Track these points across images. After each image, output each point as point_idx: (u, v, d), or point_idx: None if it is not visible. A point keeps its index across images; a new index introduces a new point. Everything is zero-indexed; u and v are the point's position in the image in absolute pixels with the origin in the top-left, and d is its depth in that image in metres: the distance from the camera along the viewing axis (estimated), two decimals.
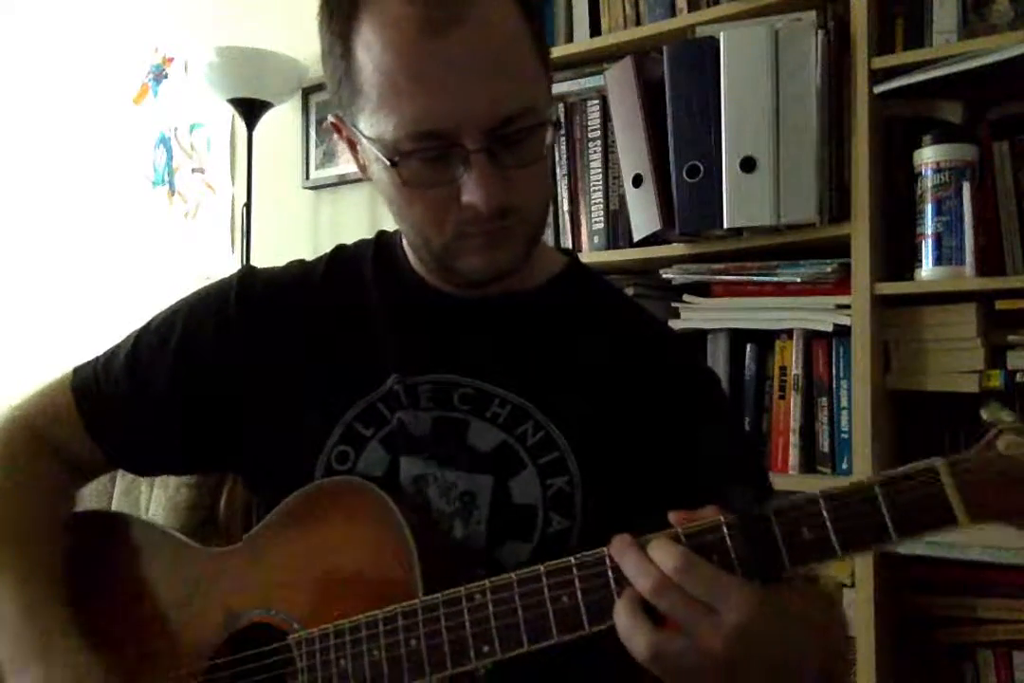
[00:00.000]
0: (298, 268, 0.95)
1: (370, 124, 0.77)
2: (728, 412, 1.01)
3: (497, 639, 0.69)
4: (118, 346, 0.96)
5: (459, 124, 0.74)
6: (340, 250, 0.97)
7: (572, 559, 0.69)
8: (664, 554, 0.64)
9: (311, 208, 2.57)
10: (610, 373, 0.88)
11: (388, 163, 0.77)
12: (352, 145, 0.85)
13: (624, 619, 0.65)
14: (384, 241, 0.96)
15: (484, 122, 0.74)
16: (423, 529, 0.77)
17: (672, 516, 0.67)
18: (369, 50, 0.75)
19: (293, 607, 0.80)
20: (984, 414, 0.65)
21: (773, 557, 0.65)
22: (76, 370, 0.96)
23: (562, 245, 1.88)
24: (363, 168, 0.86)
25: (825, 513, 0.64)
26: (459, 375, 0.86)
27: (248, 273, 0.95)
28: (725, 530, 0.66)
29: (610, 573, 0.67)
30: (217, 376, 0.90)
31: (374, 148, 0.78)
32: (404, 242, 0.92)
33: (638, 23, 1.84)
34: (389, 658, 0.73)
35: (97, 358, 0.96)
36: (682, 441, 0.87)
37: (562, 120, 1.89)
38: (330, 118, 0.86)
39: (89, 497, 1.80)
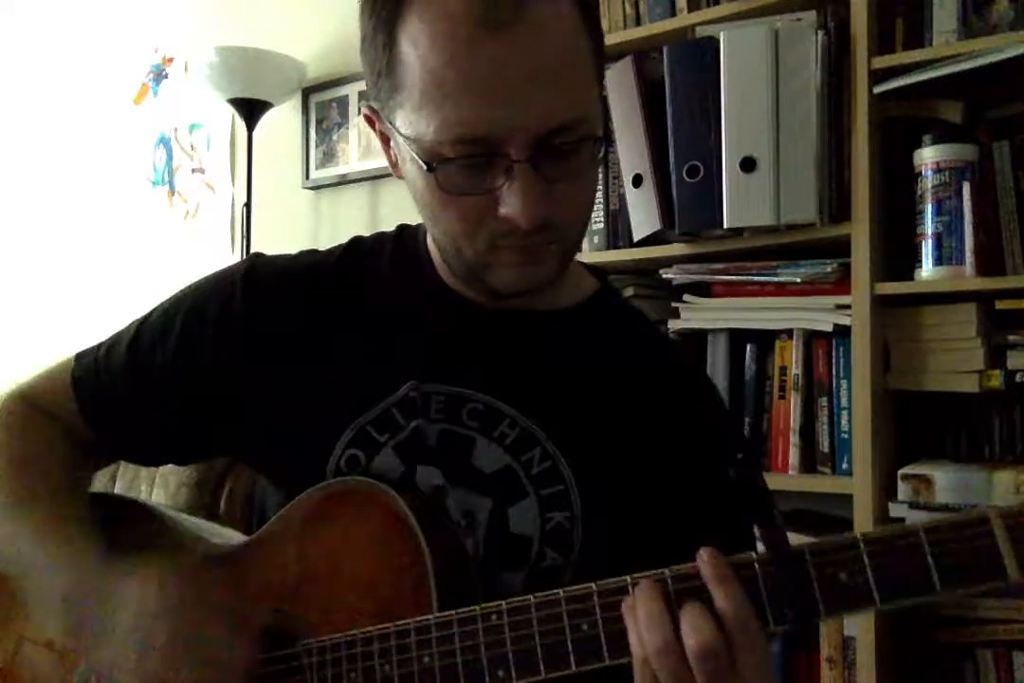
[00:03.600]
0: (309, 258, 0.90)
1: (409, 122, 0.72)
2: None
3: (513, 664, 0.67)
4: (120, 334, 0.92)
5: (506, 132, 0.69)
6: (356, 242, 0.92)
7: (593, 586, 0.66)
8: (691, 629, 0.62)
9: (311, 208, 2.58)
10: (626, 409, 0.84)
11: (425, 167, 0.72)
12: (385, 139, 0.80)
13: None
14: (406, 237, 0.91)
15: (533, 131, 0.69)
16: (438, 535, 0.75)
17: (703, 552, 0.64)
18: (415, 44, 0.70)
19: (303, 610, 0.78)
20: None
21: (808, 602, 0.61)
22: (78, 356, 0.93)
23: None
24: (394, 165, 0.81)
25: (865, 558, 0.60)
26: (472, 389, 0.82)
27: (255, 262, 0.90)
28: (757, 568, 0.63)
29: None
30: (218, 368, 0.86)
31: (411, 148, 0.73)
32: (429, 242, 0.87)
33: (638, 23, 1.84)
34: (401, 675, 0.71)
35: (99, 345, 0.93)
36: (688, 489, 0.83)
37: None
38: (363, 109, 0.81)
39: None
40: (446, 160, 0.71)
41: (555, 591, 0.67)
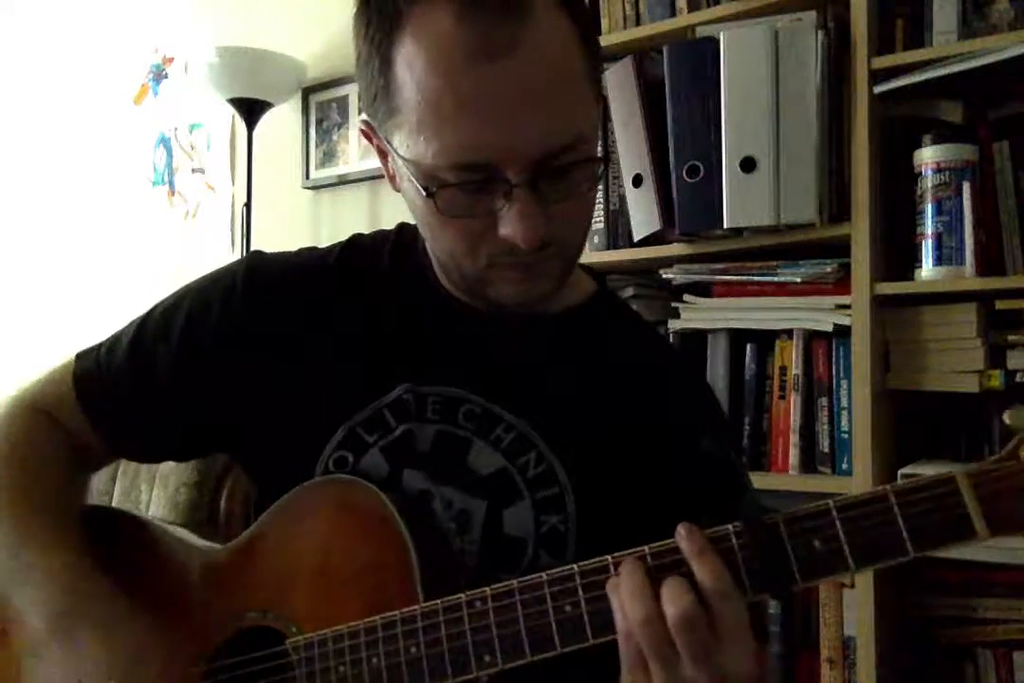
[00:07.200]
0: (309, 255, 0.91)
1: (407, 145, 0.72)
2: (733, 455, 0.95)
3: (499, 648, 0.68)
4: (121, 332, 0.92)
5: (504, 156, 0.69)
6: (356, 240, 0.92)
7: (575, 567, 0.67)
8: (671, 599, 0.62)
9: (311, 208, 2.58)
10: (622, 411, 0.84)
11: (423, 192, 0.72)
12: (383, 154, 0.80)
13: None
14: (405, 236, 0.91)
15: (531, 155, 0.69)
16: (422, 531, 0.76)
17: (682, 528, 0.65)
18: (411, 68, 0.69)
19: (290, 609, 0.78)
20: (1007, 418, 0.61)
21: (784, 570, 0.62)
22: (79, 356, 0.93)
23: None
24: (392, 178, 0.81)
25: (838, 524, 0.61)
26: (468, 391, 0.83)
27: (255, 260, 0.91)
28: (734, 540, 0.64)
29: None
30: (219, 365, 0.87)
31: (409, 170, 0.73)
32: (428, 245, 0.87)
33: (638, 23, 1.84)
34: (389, 665, 0.71)
35: (100, 344, 0.93)
36: (685, 490, 0.82)
37: None
38: (360, 124, 0.80)
39: (89, 497, 1.80)
40: (445, 185, 0.71)
41: (538, 575, 0.68)
